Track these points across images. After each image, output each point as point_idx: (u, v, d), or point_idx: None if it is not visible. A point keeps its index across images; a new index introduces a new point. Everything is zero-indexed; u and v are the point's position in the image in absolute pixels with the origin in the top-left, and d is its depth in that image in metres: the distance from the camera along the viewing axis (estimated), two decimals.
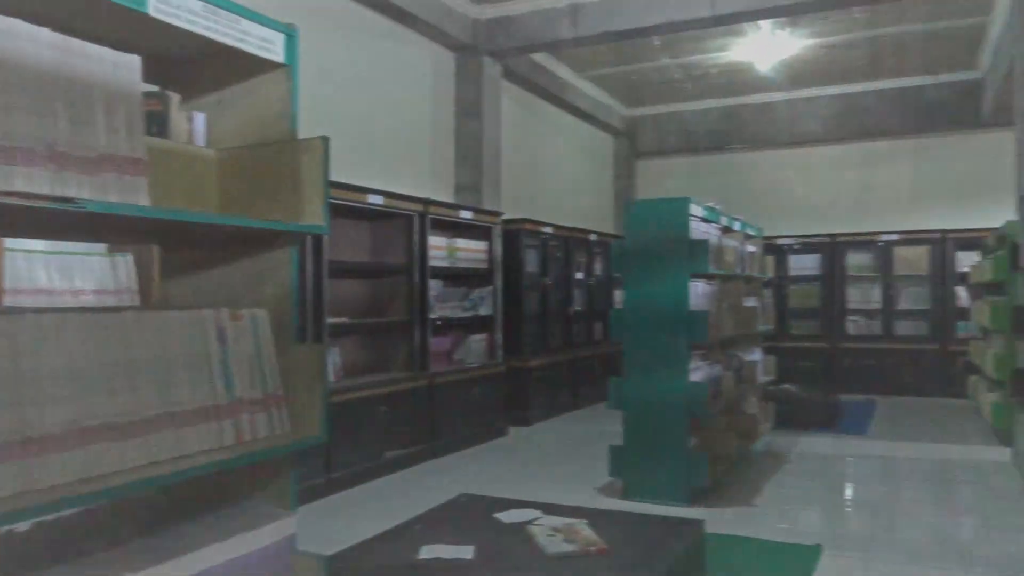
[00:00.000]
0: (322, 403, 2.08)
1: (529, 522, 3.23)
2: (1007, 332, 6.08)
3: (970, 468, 5.68)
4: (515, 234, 7.61)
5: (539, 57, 9.00)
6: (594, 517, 3.32)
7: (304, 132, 2.13)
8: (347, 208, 5.41)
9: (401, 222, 6.01)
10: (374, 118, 6.61)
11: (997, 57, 8.17)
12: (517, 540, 3.05)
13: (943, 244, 9.61)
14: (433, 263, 6.21)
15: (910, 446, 6.49)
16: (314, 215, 2.05)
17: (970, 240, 9.10)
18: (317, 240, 5.00)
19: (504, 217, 7.41)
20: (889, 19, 7.94)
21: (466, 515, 3.48)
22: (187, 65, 2.18)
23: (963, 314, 9.22)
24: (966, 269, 9.15)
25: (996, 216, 7.35)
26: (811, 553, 3.78)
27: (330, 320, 5.14)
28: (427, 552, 2.89)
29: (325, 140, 2.05)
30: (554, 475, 5.58)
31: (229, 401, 1.91)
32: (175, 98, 2.09)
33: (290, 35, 2.14)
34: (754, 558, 3.78)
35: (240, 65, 2.12)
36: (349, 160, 6.16)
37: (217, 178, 2.17)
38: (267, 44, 2.07)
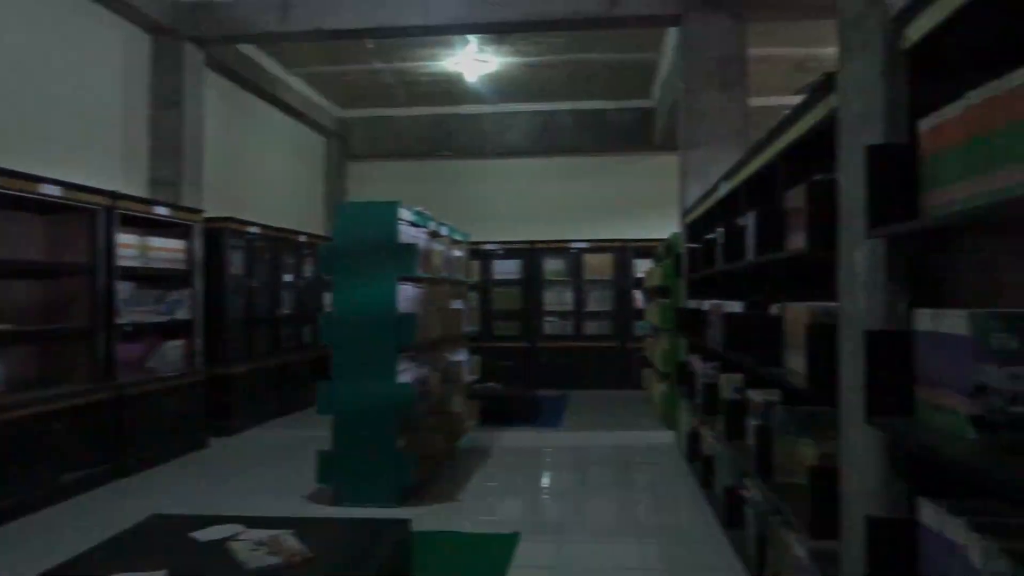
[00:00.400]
0: None
1: (229, 538, 3.06)
2: (672, 330, 6.94)
3: (644, 451, 6.41)
4: (218, 233, 7.17)
5: (247, 49, 8.58)
6: (301, 526, 3.23)
7: None
8: (13, 199, 4.71)
9: (83, 217, 5.36)
10: (51, 100, 5.84)
11: (664, 90, 9.33)
12: (215, 558, 2.87)
13: (624, 252, 10.74)
14: (123, 263, 5.63)
15: (596, 435, 7.16)
16: None
17: (646, 249, 10.29)
18: None
19: (206, 215, 6.94)
20: (582, 46, 8.71)
21: (158, 537, 3.20)
22: None
23: (640, 315, 10.37)
24: (642, 275, 10.32)
25: (666, 228, 8.37)
26: (510, 541, 4.01)
27: None
28: None
29: None
30: (260, 486, 5.34)
31: None
32: None
33: None
34: (458, 551, 3.93)
35: None
36: (18, 145, 5.40)
37: None
38: None
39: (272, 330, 8.21)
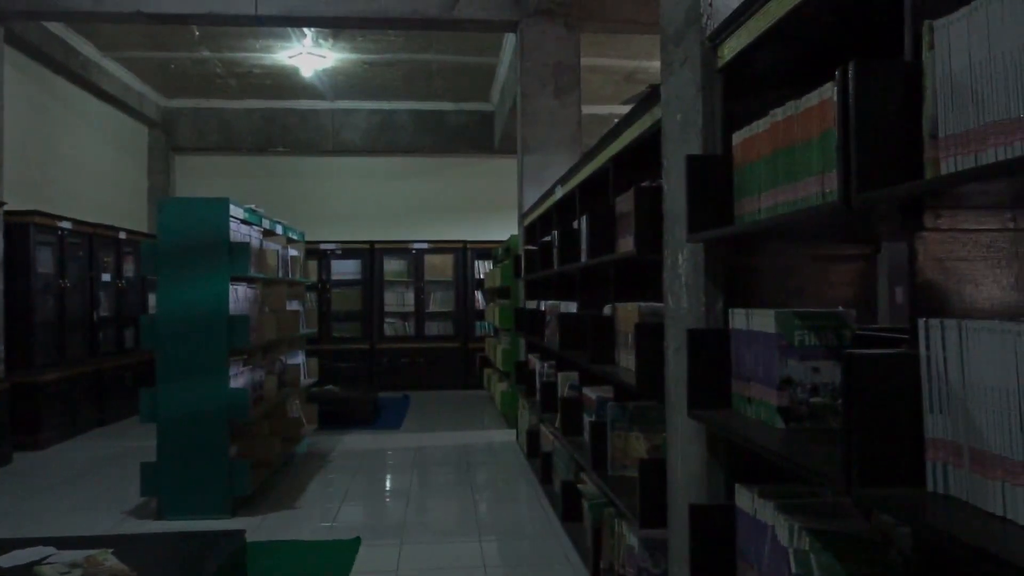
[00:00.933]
0: None
1: (38, 562, 2.81)
2: (512, 330, 7.08)
3: (485, 450, 6.49)
4: (23, 228, 6.56)
5: (55, 27, 7.89)
6: (121, 544, 3.02)
7: None
8: None
9: None
10: None
11: (504, 94, 9.50)
12: None
13: (464, 253, 10.83)
14: None
15: (438, 435, 7.18)
16: None
17: (486, 250, 10.44)
18: None
19: (7, 208, 6.32)
20: (420, 46, 8.69)
21: None
22: None
23: (481, 315, 10.50)
24: (482, 276, 10.45)
25: (506, 230, 8.53)
26: (351, 546, 3.95)
27: None
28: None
29: None
30: (73, 503, 4.93)
31: None
32: None
33: None
34: (297, 560, 3.82)
35: None
36: None
37: None
38: None
39: (89, 334, 7.61)
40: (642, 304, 2.84)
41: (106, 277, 8.02)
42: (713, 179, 1.91)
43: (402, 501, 5.00)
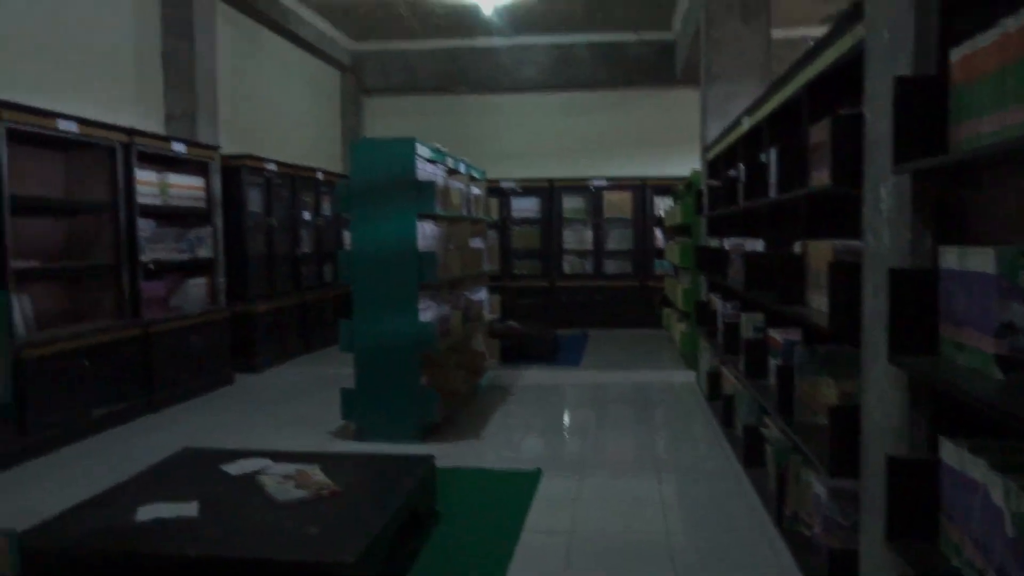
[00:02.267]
0: (5, 359, 1.83)
1: (258, 472, 3.14)
2: (692, 269, 6.91)
3: (664, 390, 6.45)
4: (236, 171, 7.16)
5: None
6: (326, 461, 3.30)
7: None
8: (31, 135, 4.72)
9: (102, 154, 5.37)
10: (61, 32, 5.77)
11: (686, 21, 9.08)
12: (245, 491, 2.95)
13: (643, 190, 10.62)
14: (142, 200, 5.66)
15: (616, 374, 7.20)
16: None
17: (666, 187, 10.18)
18: None
19: (223, 152, 6.92)
20: None
21: (189, 470, 3.29)
22: None
23: (660, 254, 10.32)
24: (662, 213, 10.22)
25: (687, 165, 8.27)
26: (532, 477, 4.09)
27: (15, 264, 4.50)
28: (145, 513, 2.70)
29: None
30: (285, 422, 5.45)
31: None
32: None
33: None
34: (481, 487, 4.01)
35: None
36: (32, 80, 5.36)
37: None
38: None
39: (293, 268, 8.27)
40: (836, 242, 2.66)
41: (306, 215, 8.63)
42: (925, 103, 1.73)
43: (581, 436, 5.09)
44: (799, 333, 3.19)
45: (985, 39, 1.50)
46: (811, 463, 2.75)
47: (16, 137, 4.59)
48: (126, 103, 6.49)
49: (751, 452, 3.99)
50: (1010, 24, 1.41)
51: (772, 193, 3.49)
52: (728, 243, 4.76)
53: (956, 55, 1.64)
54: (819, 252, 2.80)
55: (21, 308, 4.68)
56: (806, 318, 2.75)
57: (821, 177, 2.68)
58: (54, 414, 4.68)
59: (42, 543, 2.50)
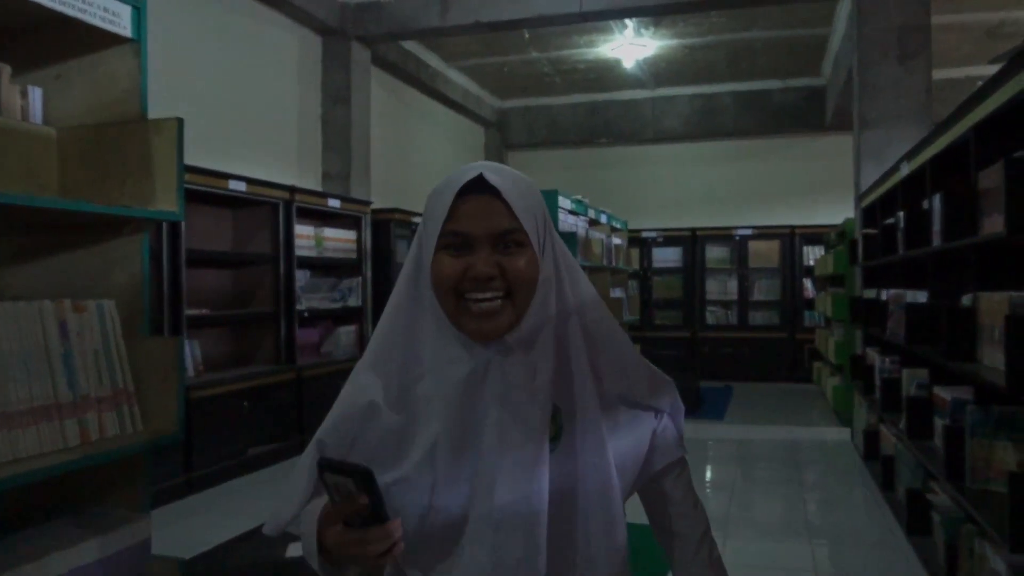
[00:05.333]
0: (177, 398, 1.96)
1: None
2: (846, 321, 6.55)
3: (815, 448, 6.09)
4: (385, 224, 7.49)
5: (409, 45, 8.89)
6: None
7: (159, 113, 1.99)
8: (206, 194, 5.15)
9: (265, 210, 5.78)
10: (236, 101, 6.31)
11: (837, 66, 8.77)
12: None
13: (792, 239, 10.24)
14: (300, 253, 6.02)
15: (762, 429, 6.88)
16: (167, 200, 1.92)
17: (815, 235, 9.77)
18: (174, 227, 4.74)
19: (374, 206, 7.27)
20: (743, 24, 8.35)
21: None
22: (20, 35, 1.99)
23: (810, 304, 9.87)
24: (812, 263, 9.80)
25: (838, 213, 7.91)
26: None
27: (189, 312, 4.88)
28: (294, 550, 2.80)
29: (179, 121, 1.92)
30: None
31: (73, 398, 1.76)
32: (5, 69, 1.90)
33: (137, 7, 2.00)
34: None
35: (81, 37, 1.96)
36: (209, 144, 5.86)
37: (57, 158, 2.00)
38: (112, 17, 1.92)
39: None
40: (1013, 294, 2.44)
41: None
42: None
43: (725, 494, 4.87)
44: (969, 391, 2.94)
45: None
46: (987, 535, 2.50)
47: (194, 197, 5.02)
48: (288, 163, 6.99)
49: (915, 519, 3.67)
50: None
51: (936, 241, 3.26)
52: (887, 294, 4.48)
53: None
54: (993, 305, 2.58)
55: (191, 352, 5.06)
56: (978, 375, 2.53)
57: (994, 223, 2.48)
58: (216, 452, 4.98)
59: (203, 571, 2.64)
